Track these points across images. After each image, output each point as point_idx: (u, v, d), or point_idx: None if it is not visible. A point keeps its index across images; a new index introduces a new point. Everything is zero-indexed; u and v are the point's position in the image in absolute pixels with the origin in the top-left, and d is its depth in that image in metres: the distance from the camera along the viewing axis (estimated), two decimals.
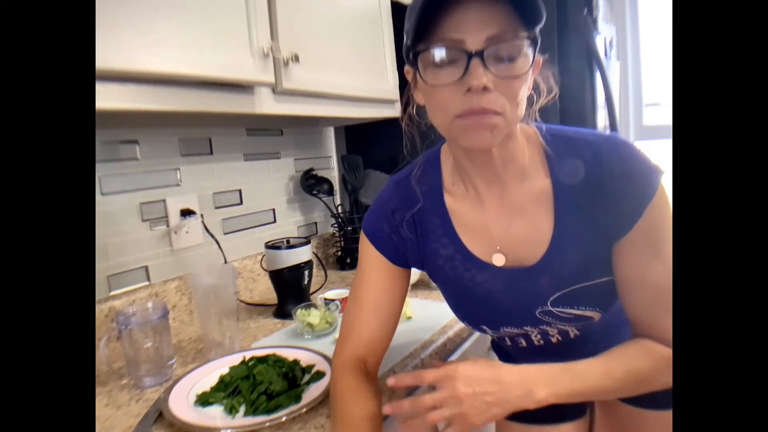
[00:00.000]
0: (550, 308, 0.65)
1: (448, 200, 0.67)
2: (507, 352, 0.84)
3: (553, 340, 0.71)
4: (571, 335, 0.69)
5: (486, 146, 0.56)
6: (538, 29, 0.54)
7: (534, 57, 0.54)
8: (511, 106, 0.54)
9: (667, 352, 0.59)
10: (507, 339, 0.75)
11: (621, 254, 0.61)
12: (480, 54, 0.51)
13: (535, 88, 0.62)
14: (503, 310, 0.68)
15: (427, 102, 0.59)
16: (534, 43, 0.54)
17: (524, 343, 0.73)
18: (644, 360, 0.59)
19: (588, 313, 0.65)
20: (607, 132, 1.65)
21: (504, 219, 0.65)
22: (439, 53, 0.53)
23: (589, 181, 0.60)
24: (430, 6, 0.51)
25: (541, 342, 0.72)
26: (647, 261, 0.59)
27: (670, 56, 0.42)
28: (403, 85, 0.65)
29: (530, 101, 0.62)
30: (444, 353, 0.93)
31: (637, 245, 0.59)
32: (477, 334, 1.07)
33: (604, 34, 1.62)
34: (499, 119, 0.54)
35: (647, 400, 0.76)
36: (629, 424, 0.76)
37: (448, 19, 0.52)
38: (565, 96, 1.52)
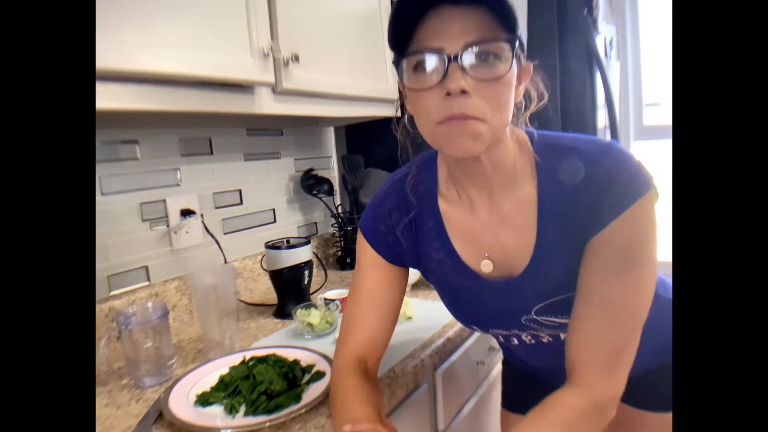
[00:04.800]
0: (535, 317, 0.65)
1: (442, 205, 0.67)
2: (507, 346, 0.84)
3: (544, 340, 0.71)
4: (562, 338, 0.69)
5: (469, 154, 0.55)
6: (519, 32, 0.54)
7: (513, 60, 0.53)
8: (493, 111, 0.53)
9: (575, 402, 0.56)
10: (500, 337, 0.75)
11: (584, 261, 0.58)
12: (457, 58, 0.51)
13: (526, 95, 0.61)
14: (490, 315, 0.69)
15: (413, 109, 0.59)
16: (513, 47, 0.53)
17: (516, 342, 0.74)
18: (555, 422, 0.56)
19: None
20: (608, 137, 1.65)
21: (493, 227, 0.64)
22: (418, 60, 0.53)
23: (572, 192, 0.58)
24: (406, 16, 0.51)
25: (533, 342, 0.72)
26: (604, 274, 0.56)
27: (670, 56, 0.42)
28: None
29: (521, 108, 0.62)
30: (444, 354, 0.93)
31: (598, 257, 0.56)
32: (477, 334, 1.07)
33: (604, 34, 1.62)
34: (482, 126, 0.53)
35: (648, 402, 0.76)
36: (630, 425, 0.76)
37: (427, 27, 0.52)
38: (565, 96, 1.52)
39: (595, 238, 0.57)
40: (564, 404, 0.57)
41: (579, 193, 0.58)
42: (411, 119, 0.65)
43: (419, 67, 0.54)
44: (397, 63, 0.57)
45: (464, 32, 0.51)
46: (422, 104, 0.55)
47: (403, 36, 0.54)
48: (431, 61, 0.53)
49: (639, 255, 0.56)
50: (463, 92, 0.51)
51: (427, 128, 0.57)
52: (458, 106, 0.52)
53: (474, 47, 0.51)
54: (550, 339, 0.70)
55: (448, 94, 0.52)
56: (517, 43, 0.54)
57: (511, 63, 0.53)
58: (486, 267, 0.65)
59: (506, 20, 0.52)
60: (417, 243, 0.69)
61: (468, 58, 0.52)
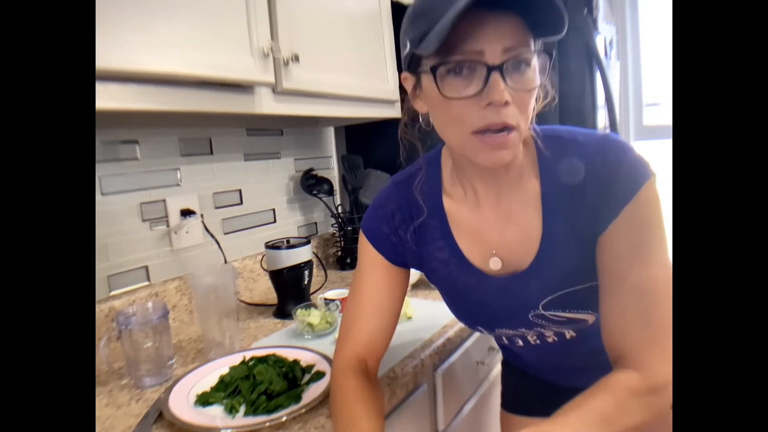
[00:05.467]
0: (543, 312, 0.65)
1: (447, 203, 0.67)
2: (509, 348, 0.84)
3: (549, 340, 0.71)
4: (567, 336, 0.70)
5: (504, 163, 0.56)
6: (541, 42, 0.53)
7: (548, 69, 0.54)
8: (523, 118, 0.54)
9: (631, 382, 0.54)
10: (504, 338, 0.75)
11: (601, 252, 0.59)
12: (500, 68, 0.51)
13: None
14: (497, 313, 0.69)
15: (438, 114, 0.58)
16: (546, 54, 0.54)
17: (521, 343, 0.73)
18: (609, 400, 0.53)
19: (581, 316, 0.65)
20: (607, 131, 1.66)
21: (499, 224, 0.65)
22: (458, 66, 0.52)
23: (575, 185, 0.59)
24: (455, 21, 0.48)
25: (538, 342, 0.72)
26: (627, 262, 0.56)
27: (670, 56, 0.42)
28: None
29: None
30: (444, 353, 0.93)
31: (617, 246, 0.57)
32: (477, 334, 1.07)
33: (604, 34, 1.62)
34: (515, 134, 0.54)
35: None
36: None
37: (465, 30, 0.51)
38: (565, 96, 1.52)
39: (607, 232, 0.57)
40: (619, 384, 0.54)
41: (582, 185, 0.58)
42: (412, 119, 0.65)
43: (454, 72, 0.52)
44: (431, 65, 0.53)
45: (501, 36, 0.51)
46: (454, 112, 0.54)
47: (436, 40, 0.51)
48: (471, 69, 0.52)
49: (653, 235, 0.56)
50: (506, 103, 0.51)
51: (458, 137, 0.56)
52: (498, 116, 0.52)
53: (513, 57, 0.51)
54: (555, 338, 0.70)
55: (489, 104, 0.51)
56: (550, 51, 0.55)
57: (548, 70, 0.54)
58: (495, 264, 0.65)
59: (541, 28, 0.52)
60: (420, 243, 0.69)
61: (508, 68, 0.51)
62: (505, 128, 0.53)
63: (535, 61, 0.54)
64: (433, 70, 0.53)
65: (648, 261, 0.56)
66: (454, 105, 0.53)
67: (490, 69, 0.51)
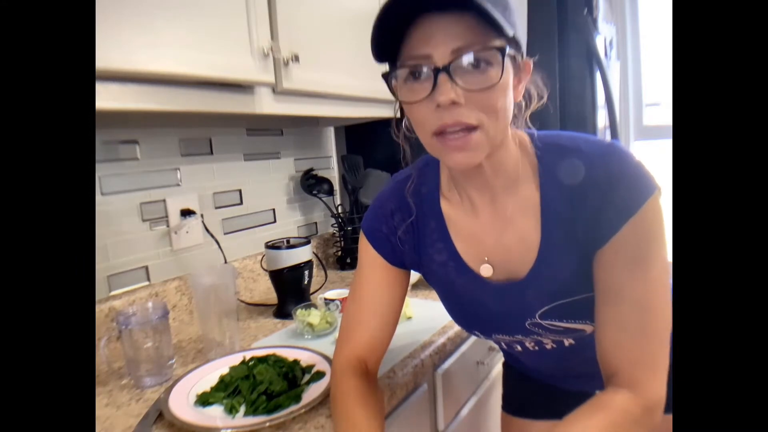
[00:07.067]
0: (539, 321, 0.65)
1: (445, 206, 0.67)
2: (508, 352, 0.84)
3: (548, 347, 0.70)
4: (566, 344, 0.69)
5: (467, 166, 0.55)
6: (510, 35, 0.51)
7: (504, 65, 0.52)
8: (489, 117, 0.53)
9: (627, 403, 0.54)
10: (503, 344, 0.75)
11: (600, 265, 0.57)
12: (446, 69, 0.50)
13: (526, 94, 0.61)
14: (493, 319, 0.68)
15: (410, 118, 0.58)
16: (504, 51, 0.52)
17: (519, 348, 0.73)
18: (604, 422, 0.53)
19: (578, 326, 0.64)
20: (608, 137, 1.65)
21: (495, 229, 0.64)
22: (408, 71, 0.53)
23: (575, 193, 0.57)
24: (392, 27, 0.50)
25: (536, 348, 0.71)
26: (627, 275, 0.55)
27: (670, 56, 0.42)
28: None
29: (521, 107, 0.61)
30: (444, 354, 0.93)
31: (617, 258, 0.56)
32: None
33: (604, 34, 1.62)
34: (477, 135, 0.53)
35: None
36: None
37: (413, 37, 0.52)
38: (565, 96, 1.52)
39: (608, 246, 0.56)
40: (616, 406, 0.54)
41: (582, 194, 0.57)
42: (398, 121, 0.65)
43: (408, 78, 0.53)
44: (386, 75, 0.56)
45: (450, 38, 0.50)
46: (416, 115, 0.55)
47: (390, 47, 0.54)
48: (419, 72, 0.52)
49: (654, 251, 0.55)
50: (454, 103, 0.51)
51: (424, 139, 0.57)
52: (450, 116, 0.52)
53: (462, 56, 0.50)
54: (554, 345, 0.69)
55: (438, 105, 0.51)
56: (513, 44, 0.53)
57: (503, 68, 0.52)
58: (485, 271, 0.65)
59: (495, 24, 0.50)
60: (419, 245, 0.69)
61: (457, 68, 0.51)
62: (466, 128, 0.52)
63: (501, 60, 0.51)
64: (385, 77, 0.56)
65: (647, 277, 0.55)
66: (414, 109, 0.54)
67: (437, 71, 0.51)
